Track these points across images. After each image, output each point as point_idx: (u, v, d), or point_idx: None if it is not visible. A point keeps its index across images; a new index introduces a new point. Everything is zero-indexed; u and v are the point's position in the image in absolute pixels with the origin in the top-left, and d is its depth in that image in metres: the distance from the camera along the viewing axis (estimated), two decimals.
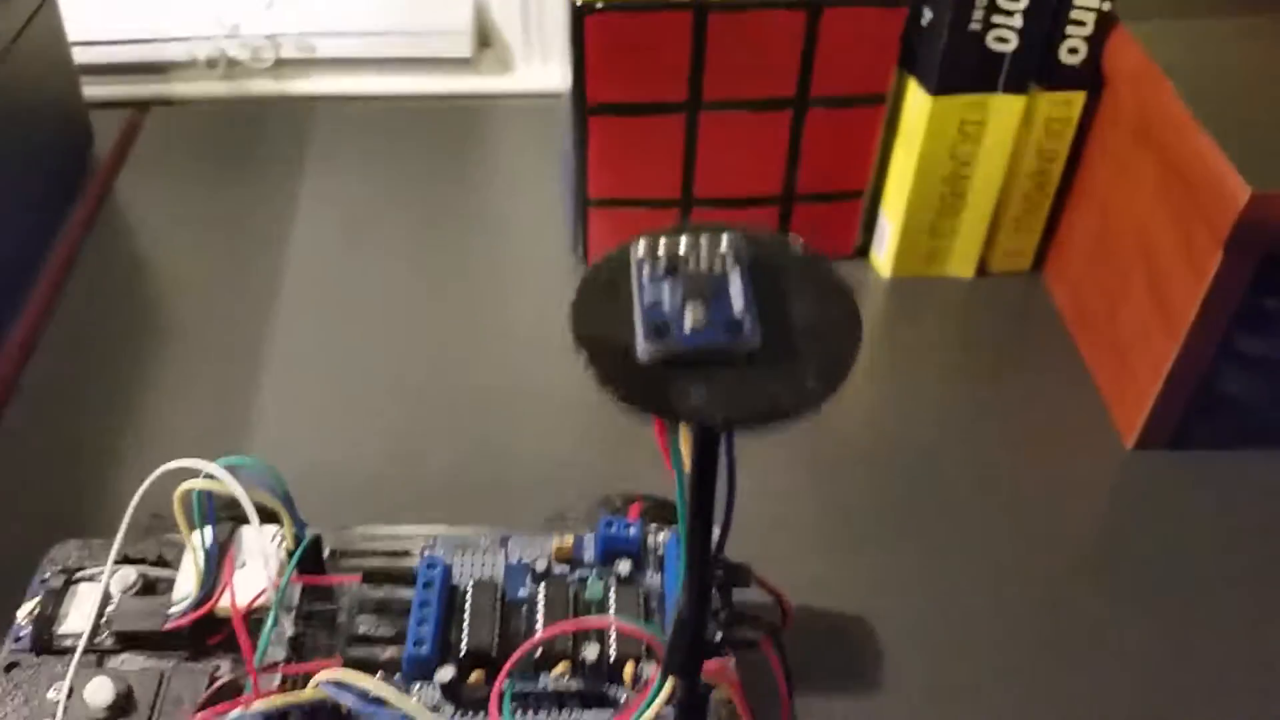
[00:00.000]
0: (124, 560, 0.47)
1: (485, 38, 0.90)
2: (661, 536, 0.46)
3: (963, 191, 0.71)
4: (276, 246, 0.76)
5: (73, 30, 0.81)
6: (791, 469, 0.63)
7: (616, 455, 0.60)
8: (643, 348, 0.23)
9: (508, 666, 0.39)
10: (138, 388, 0.66)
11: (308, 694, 0.39)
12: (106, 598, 0.45)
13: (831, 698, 0.52)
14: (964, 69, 0.66)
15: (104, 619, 0.44)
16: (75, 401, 0.66)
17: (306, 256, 0.75)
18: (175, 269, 0.75)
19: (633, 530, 0.44)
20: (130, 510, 0.45)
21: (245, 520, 0.44)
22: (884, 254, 0.75)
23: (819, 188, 0.72)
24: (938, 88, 0.66)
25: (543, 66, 0.88)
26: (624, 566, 0.44)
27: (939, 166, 0.69)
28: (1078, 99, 0.68)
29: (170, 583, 0.45)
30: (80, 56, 0.82)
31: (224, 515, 0.45)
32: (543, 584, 0.43)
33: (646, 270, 0.24)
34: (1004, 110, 0.67)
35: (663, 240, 0.25)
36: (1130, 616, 0.57)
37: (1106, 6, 0.64)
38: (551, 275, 0.75)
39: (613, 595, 0.43)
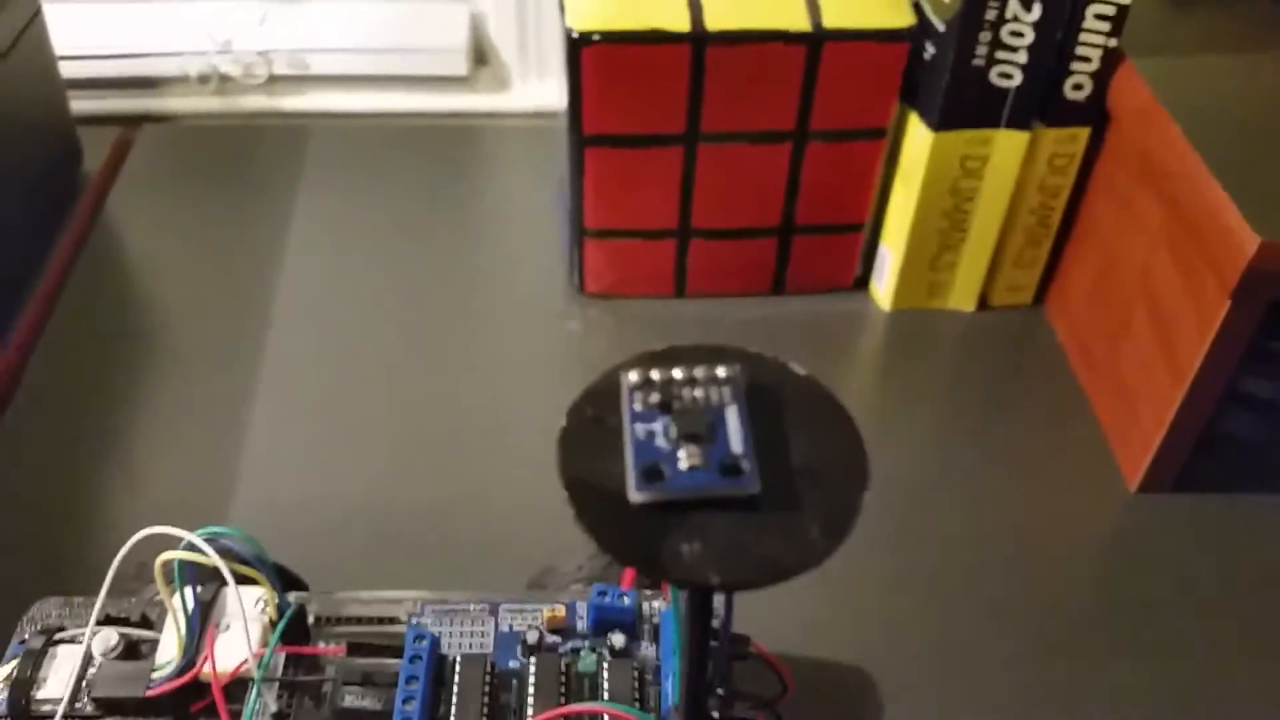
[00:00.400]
0: (106, 621, 0.46)
1: (481, 55, 0.89)
2: (657, 604, 0.45)
3: (964, 226, 0.70)
4: (269, 267, 0.75)
5: (61, 44, 0.79)
6: None
7: None
8: (635, 493, 0.22)
9: None
10: (128, 416, 0.65)
11: None
12: (87, 660, 0.44)
13: None
14: (967, 105, 0.64)
15: (84, 683, 0.43)
16: (63, 433, 0.64)
17: (299, 277, 0.74)
18: (167, 290, 0.74)
19: (626, 600, 0.43)
20: (111, 572, 0.44)
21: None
22: (884, 286, 0.73)
23: (818, 220, 0.71)
24: (940, 124, 0.65)
25: (540, 85, 0.86)
26: (618, 639, 0.43)
27: (940, 201, 0.68)
28: (1082, 135, 0.66)
29: (154, 644, 0.44)
30: (69, 71, 0.81)
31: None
32: (534, 657, 0.42)
33: (638, 403, 0.23)
34: (1007, 146, 0.66)
35: (654, 372, 0.23)
36: (1132, 663, 0.56)
37: (1113, 43, 0.63)
38: (548, 304, 0.73)
39: (606, 670, 0.42)
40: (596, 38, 0.63)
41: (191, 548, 0.42)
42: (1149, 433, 0.63)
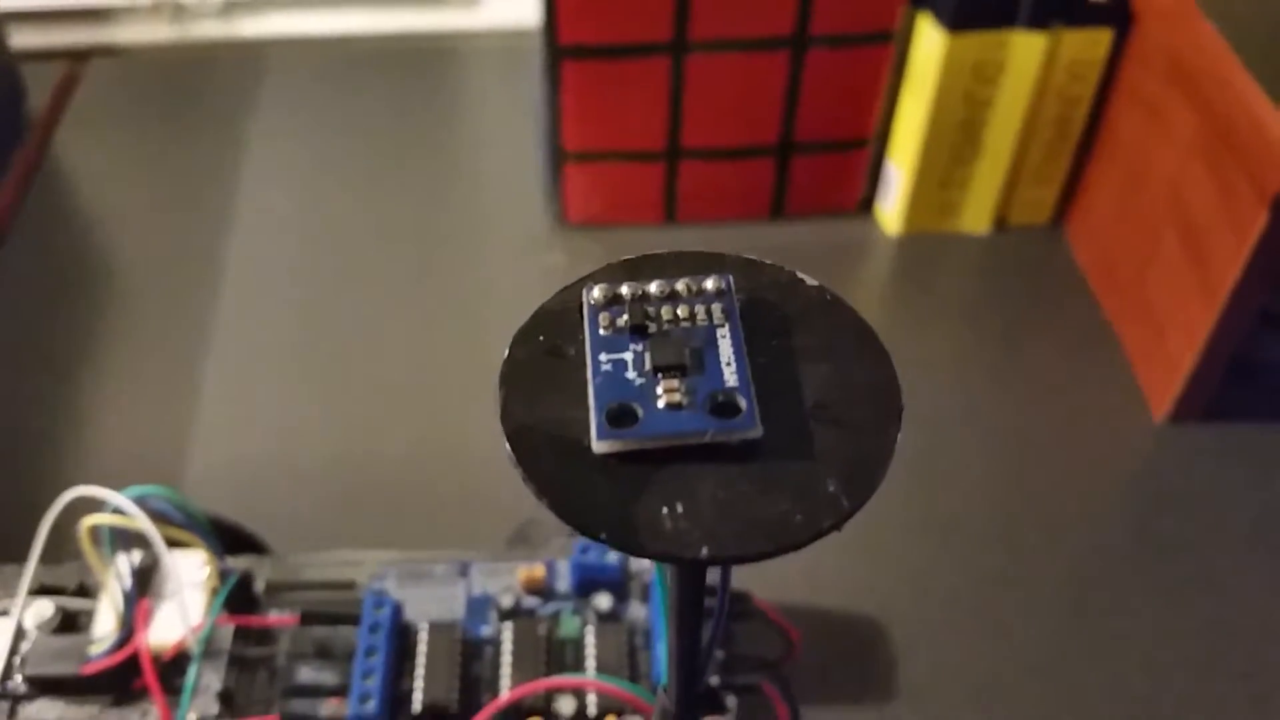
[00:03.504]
0: (40, 591, 0.41)
1: None
2: (645, 562, 0.40)
3: (978, 139, 0.64)
4: (225, 206, 0.69)
5: None
6: None
7: None
8: (599, 441, 0.17)
9: None
10: (75, 369, 0.60)
11: None
12: (20, 634, 0.40)
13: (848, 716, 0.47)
14: (981, 3, 0.59)
15: (18, 659, 0.39)
16: (5, 387, 0.59)
17: (257, 216, 0.69)
18: (117, 233, 0.69)
19: (612, 557, 0.39)
20: (40, 539, 0.39)
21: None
22: (891, 208, 0.68)
23: (820, 136, 0.66)
24: (954, 23, 0.59)
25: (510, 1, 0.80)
26: (603, 600, 0.38)
27: (953, 111, 0.63)
28: (1104, 38, 0.61)
29: (91, 616, 0.40)
30: (8, 3, 0.75)
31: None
32: (510, 623, 0.38)
33: (603, 324, 0.18)
34: (1024, 49, 0.60)
35: (625, 287, 0.18)
36: (1166, 601, 0.51)
37: None
38: (527, 237, 0.68)
39: (591, 635, 0.37)
40: None
41: (119, 513, 0.37)
42: (1178, 359, 0.58)
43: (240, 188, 0.70)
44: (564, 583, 0.39)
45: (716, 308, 0.18)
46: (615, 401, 0.17)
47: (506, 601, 0.38)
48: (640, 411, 0.17)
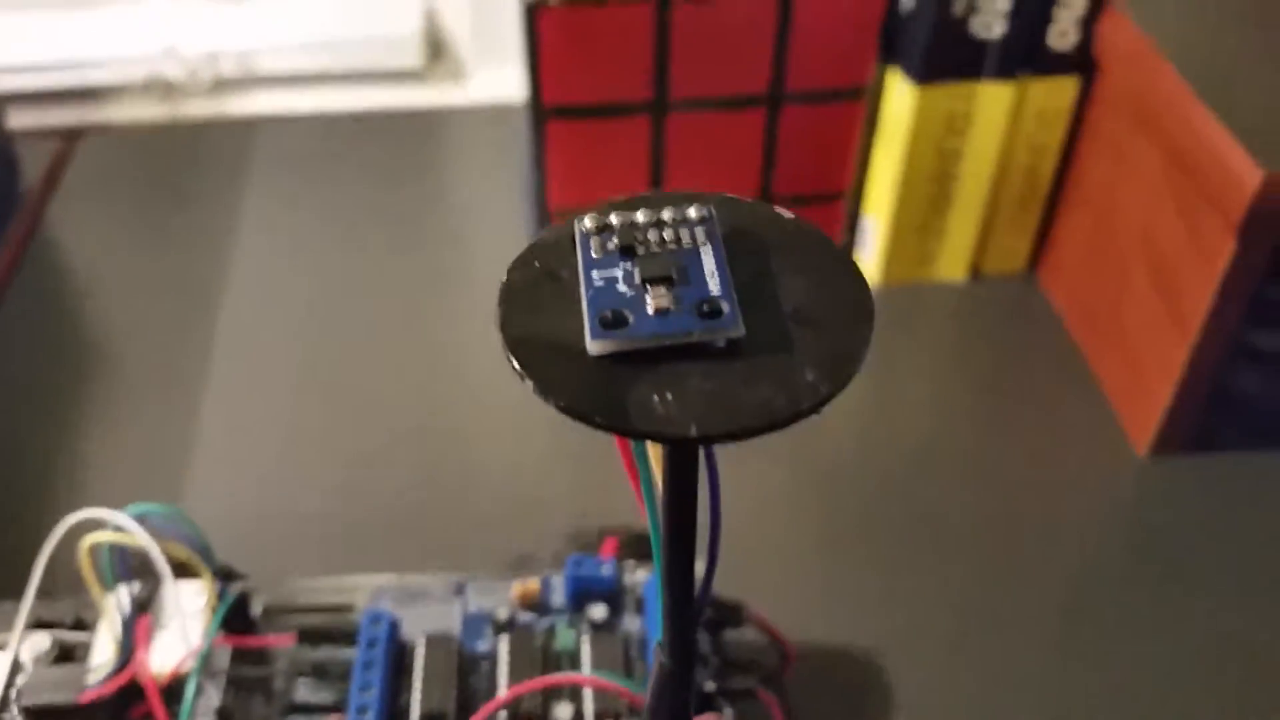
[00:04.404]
0: (37, 625, 0.41)
1: (436, 47, 0.85)
2: (640, 575, 0.40)
3: (951, 189, 0.66)
4: (215, 276, 0.70)
5: None
6: (780, 487, 0.58)
7: (588, 487, 0.55)
8: (593, 342, 0.18)
9: None
10: (68, 432, 0.61)
11: None
12: (17, 667, 0.40)
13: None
14: (949, 56, 0.61)
15: (14, 692, 0.39)
16: (3, 449, 0.60)
17: (247, 285, 0.70)
18: (108, 305, 0.70)
19: (606, 569, 0.39)
20: (39, 569, 0.39)
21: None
22: (869, 258, 0.70)
23: (797, 189, 0.68)
24: (922, 76, 0.61)
25: (497, 75, 0.83)
26: (598, 611, 0.39)
27: (925, 163, 0.65)
28: (1070, 85, 0.63)
29: (88, 649, 0.40)
30: (4, 85, 0.77)
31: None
32: (505, 635, 0.38)
33: (594, 248, 0.19)
34: (992, 100, 0.63)
35: (614, 216, 0.20)
36: (1158, 634, 0.52)
37: None
38: None
39: (586, 645, 0.38)
40: (554, 1, 0.59)
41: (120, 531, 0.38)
42: (1157, 392, 0.59)
43: (232, 253, 0.72)
44: (558, 597, 0.40)
45: (700, 231, 0.19)
46: (608, 309, 0.18)
47: (502, 615, 0.39)
48: (631, 317, 0.18)
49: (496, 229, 0.74)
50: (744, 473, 0.56)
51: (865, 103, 0.65)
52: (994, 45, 0.61)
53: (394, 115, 0.83)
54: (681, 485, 0.19)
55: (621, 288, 0.18)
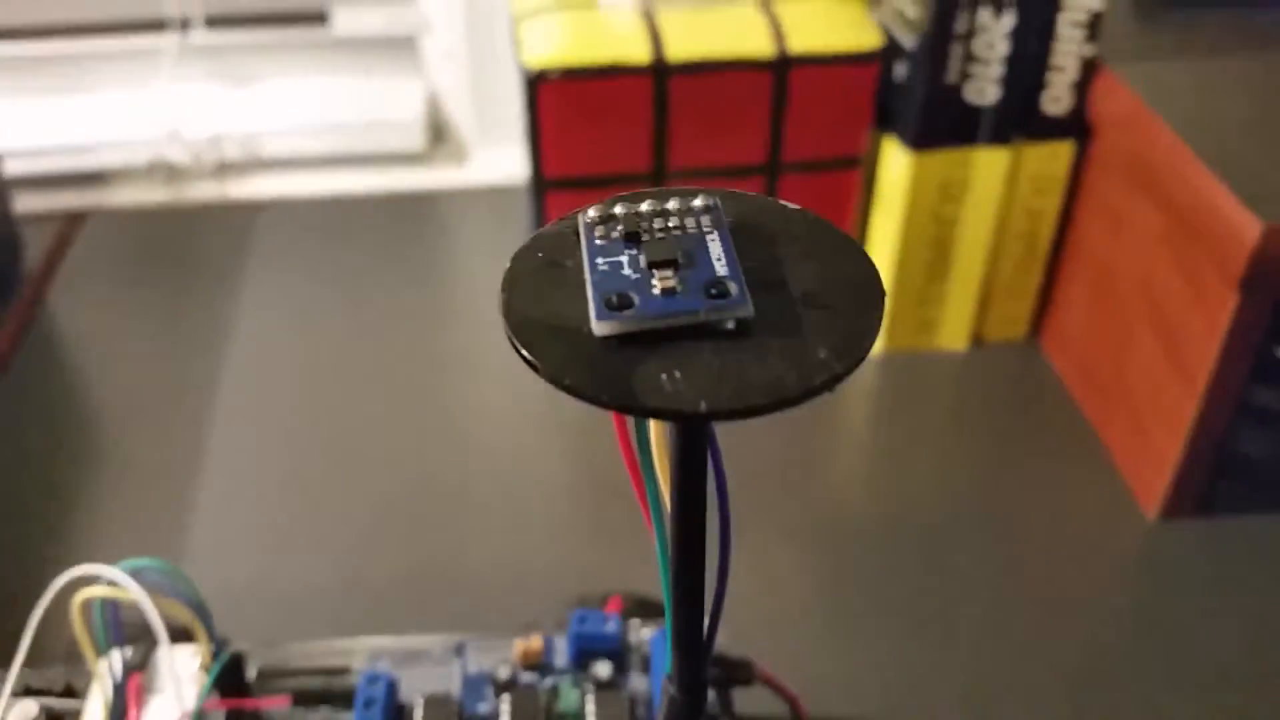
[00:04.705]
0: (25, 692, 0.40)
1: (438, 130, 0.86)
2: (645, 633, 0.39)
3: (949, 255, 0.66)
4: (216, 355, 0.70)
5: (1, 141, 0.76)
6: (787, 553, 0.57)
7: (590, 553, 0.54)
8: (599, 324, 0.17)
9: None
10: (69, 507, 0.60)
11: None
12: None
13: None
14: (943, 123, 0.62)
15: None
16: (3, 528, 0.59)
17: (248, 362, 0.69)
18: (109, 383, 0.69)
19: (611, 625, 0.38)
20: (30, 630, 0.38)
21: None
22: None
23: None
24: (917, 142, 0.62)
25: (499, 157, 0.83)
26: (603, 669, 0.37)
27: (923, 230, 0.65)
28: (1064, 150, 0.64)
29: (77, 717, 0.39)
30: (10, 169, 0.78)
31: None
32: (507, 696, 0.37)
33: (599, 235, 0.19)
34: (988, 165, 0.63)
35: (618, 207, 0.19)
36: (1172, 695, 0.50)
37: (1089, 51, 0.61)
38: (514, 368, 0.69)
39: (591, 704, 0.37)
40: (554, 74, 0.60)
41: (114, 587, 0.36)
42: (1164, 453, 0.58)
43: (234, 328, 0.71)
44: (561, 657, 0.38)
45: (705, 219, 0.19)
46: (613, 293, 0.18)
47: (503, 674, 0.38)
48: (637, 299, 0.17)
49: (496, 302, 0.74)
50: (752, 543, 0.55)
51: (862, 171, 0.65)
52: (988, 111, 0.62)
53: (396, 196, 0.84)
54: (691, 467, 0.18)
55: (627, 271, 0.18)
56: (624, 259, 0.18)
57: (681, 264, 0.18)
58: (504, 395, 0.67)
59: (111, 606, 0.36)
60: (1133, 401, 0.61)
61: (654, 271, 0.18)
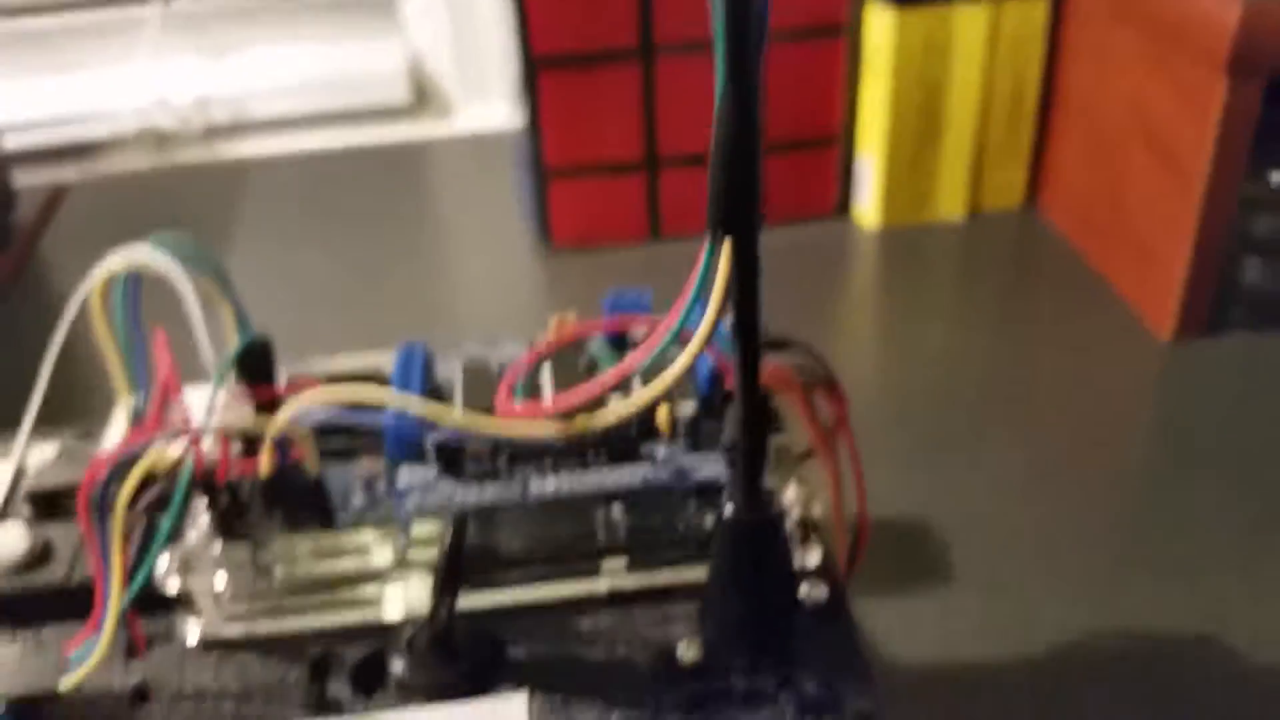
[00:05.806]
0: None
1: (422, 88, 0.87)
2: None
3: (939, 121, 0.67)
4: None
5: None
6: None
7: None
8: None
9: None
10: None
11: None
12: (20, 474, 0.37)
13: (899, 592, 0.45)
14: None
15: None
16: None
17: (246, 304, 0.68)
18: (94, 349, 0.68)
19: (645, 296, 0.37)
20: (50, 361, 0.37)
21: None
22: (868, 203, 0.70)
23: (790, 135, 0.68)
24: None
25: (483, 108, 0.85)
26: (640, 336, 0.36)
27: (911, 95, 0.66)
28: (1040, 5, 0.65)
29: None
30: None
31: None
32: (548, 362, 0.36)
33: None
34: (968, 22, 0.65)
35: None
36: (1202, 502, 0.50)
37: None
38: (503, 315, 0.67)
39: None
40: None
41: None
42: (1171, 268, 0.59)
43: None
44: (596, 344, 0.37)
45: None
46: None
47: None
48: None
49: (493, 257, 0.73)
50: None
51: (846, 39, 0.67)
52: None
53: (383, 150, 0.84)
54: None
55: None
56: None
57: None
58: (494, 285, 0.66)
59: (134, 280, 0.35)
60: (1134, 228, 0.61)
61: None
